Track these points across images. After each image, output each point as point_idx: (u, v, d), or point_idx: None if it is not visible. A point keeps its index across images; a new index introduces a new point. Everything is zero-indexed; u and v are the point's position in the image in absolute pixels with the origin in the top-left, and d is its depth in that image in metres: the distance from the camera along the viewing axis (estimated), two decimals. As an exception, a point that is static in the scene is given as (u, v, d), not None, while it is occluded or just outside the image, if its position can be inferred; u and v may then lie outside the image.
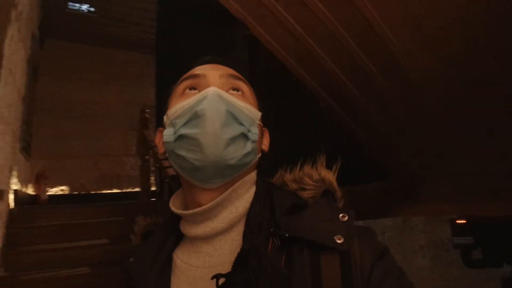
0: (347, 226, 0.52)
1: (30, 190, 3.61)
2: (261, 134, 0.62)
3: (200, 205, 0.55)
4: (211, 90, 0.55)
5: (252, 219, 0.55)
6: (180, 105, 0.56)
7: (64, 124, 4.50)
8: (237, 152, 0.53)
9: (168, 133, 0.55)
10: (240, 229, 0.55)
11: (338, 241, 0.49)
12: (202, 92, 0.55)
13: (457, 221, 3.97)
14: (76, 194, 4.62)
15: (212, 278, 0.49)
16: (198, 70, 0.61)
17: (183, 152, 0.54)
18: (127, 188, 4.89)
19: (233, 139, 0.53)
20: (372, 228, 0.58)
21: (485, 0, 1.56)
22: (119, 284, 0.61)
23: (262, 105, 0.65)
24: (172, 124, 0.56)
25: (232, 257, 0.51)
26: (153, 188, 3.65)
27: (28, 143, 3.50)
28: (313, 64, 2.36)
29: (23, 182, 3.26)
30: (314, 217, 0.53)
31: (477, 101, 1.98)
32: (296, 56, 2.42)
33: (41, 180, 3.58)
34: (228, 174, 0.54)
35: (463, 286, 4.06)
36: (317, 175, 0.61)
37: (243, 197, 0.57)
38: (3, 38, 1.90)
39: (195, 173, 0.54)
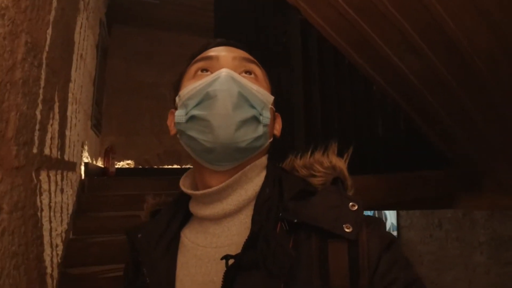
0: (356, 215, 0.51)
1: (99, 163, 3.99)
2: (273, 119, 0.61)
3: (210, 187, 0.55)
4: (224, 72, 0.54)
5: (262, 202, 0.54)
6: (192, 86, 0.56)
7: (131, 103, 4.85)
8: (248, 135, 0.53)
9: (179, 114, 0.55)
10: (248, 212, 0.55)
11: (347, 230, 0.49)
12: (215, 73, 0.55)
13: (521, 218, 3.61)
14: (141, 168, 5.00)
15: (222, 258, 0.49)
16: (211, 52, 0.61)
17: (194, 133, 0.54)
18: (186, 164, 5.18)
19: (244, 122, 0.53)
20: (382, 218, 0.57)
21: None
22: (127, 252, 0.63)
23: (274, 90, 0.64)
24: (184, 105, 0.56)
25: (239, 239, 0.52)
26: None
27: (98, 121, 3.84)
28: (365, 46, 2.27)
29: (94, 156, 3.62)
30: (323, 204, 0.53)
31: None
32: (348, 39, 2.35)
33: (109, 154, 3.84)
34: (238, 157, 0.55)
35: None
36: (327, 162, 0.60)
37: (253, 180, 0.57)
38: (73, 27, 2.11)
39: (206, 155, 0.54)
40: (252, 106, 0.54)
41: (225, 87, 0.53)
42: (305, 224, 0.51)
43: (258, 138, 0.55)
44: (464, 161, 2.63)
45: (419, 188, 2.54)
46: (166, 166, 5.18)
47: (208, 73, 0.58)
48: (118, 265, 2.08)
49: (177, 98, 0.59)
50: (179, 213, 0.61)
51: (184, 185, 0.61)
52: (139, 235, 0.59)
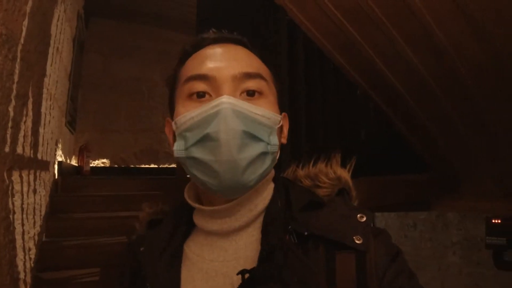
0: (365, 226, 0.51)
1: (74, 162, 3.84)
2: (280, 128, 0.57)
3: (216, 204, 0.54)
4: (224, 104, 0.49)
5: (273, 215, 0.53)
6: (189, 115, 0.51)
7: (107, 100, 4.67)
8: (255, 172, 0.51)
9: (178, 148, 0.52)
10: (257, 224, 0.54)
11: (357, 241, 0.49)
12: (213, 105, 0.50)
13: (493, 220, 3.76)
14: (116, 167, 4.84)
15: (238, 273, 0.48)
16: (207, 66, 0.54)
17: (197, 173, 0.51)
18: (164, 164, 5.07)
19: (251, 161, 0.50)
20: (387, 230, 0.57)
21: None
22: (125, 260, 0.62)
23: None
24: (182, 137, 0.52)
25: (246, 252, 0.52)
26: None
27: (73, 118, 3.68)
28: (351, 50, 2.28)
29: (68, 154, 3.47)
30: (332, 215, 0.53)
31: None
32: (334, 42, 2.35)
33: (84, 152, 3.70)
34: (246, 191, 0.53)
35: (491, 287, 3.90)
36: (332, 174, 0.59)
37: (262, 194, 0.56)
38: (50, 19, 2.00)
39: (211, 191, 0.53)
40: (259, 139, 0.51)
41: (227, 127, 0.48)
42: (314, 235, 0.51)
43: (266, 169, 0.53)
44: (444, 165, 2.71)
45: (401, 191, 2.60)
46: (143, 166, 5.05)
47: (205, 97, 0.52)
48: (94, 269, 2.00)
49: (173, 124, 0.54)
50: (182, 225, 0.59)
51: (190, 197, 0.58)
52: (142, 249, 0.57)
